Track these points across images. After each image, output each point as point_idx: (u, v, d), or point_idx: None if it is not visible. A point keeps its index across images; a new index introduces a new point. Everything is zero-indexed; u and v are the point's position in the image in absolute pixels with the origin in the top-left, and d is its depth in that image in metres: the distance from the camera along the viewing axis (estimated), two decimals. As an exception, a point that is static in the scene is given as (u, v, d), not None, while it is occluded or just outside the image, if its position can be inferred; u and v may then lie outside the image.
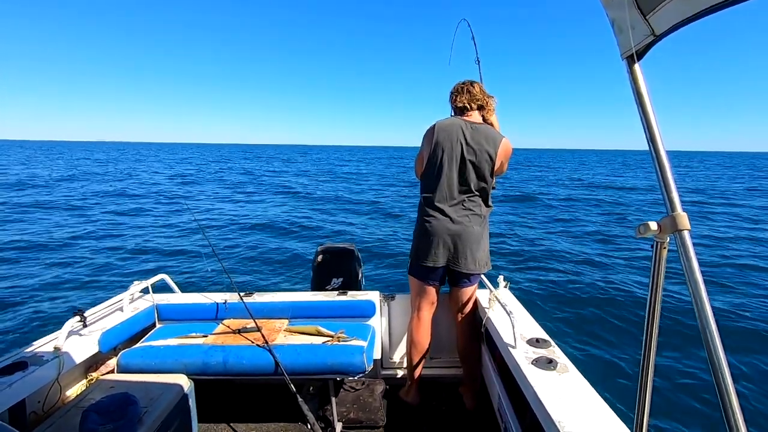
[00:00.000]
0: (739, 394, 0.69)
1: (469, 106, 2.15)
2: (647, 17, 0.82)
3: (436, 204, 2.08)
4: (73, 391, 1.91)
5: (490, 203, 2.16)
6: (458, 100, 2.17)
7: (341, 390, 2.28)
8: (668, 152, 0.82)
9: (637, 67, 0.86)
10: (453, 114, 2.23)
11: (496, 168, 2.08)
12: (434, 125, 2.12)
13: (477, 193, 2.08)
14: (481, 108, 2.18)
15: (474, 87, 2.18)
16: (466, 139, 2.05)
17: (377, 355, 2.30)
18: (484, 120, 2.19)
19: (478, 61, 2.60)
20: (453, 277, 2.18)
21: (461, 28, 2.70)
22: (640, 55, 0.86)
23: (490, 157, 2.04)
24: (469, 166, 2.04)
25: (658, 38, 0.83)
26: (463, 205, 2.07)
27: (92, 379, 1.95)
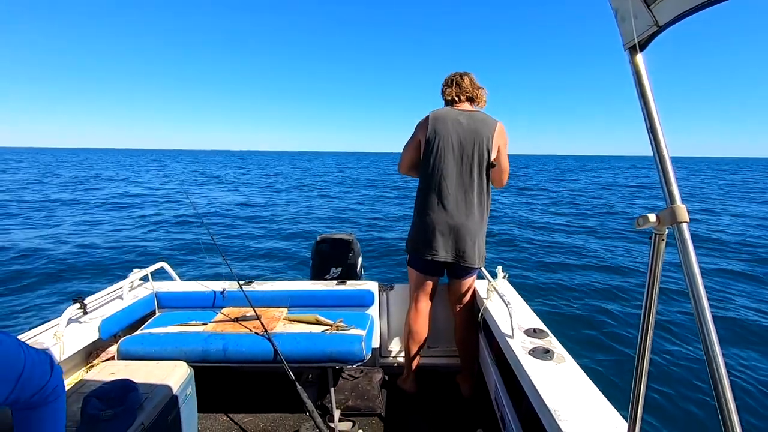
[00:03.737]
0: (733, 386, 0.70)
1: (457, 98, 2.11)
2: (651, 7, 0.80)
3: (435, 196, 2.06)
4: (73, 378, 1.92)
5: (489, 192, 2.13)
6: (447, 92, 2.14)
7: (340, 378, 2.30)
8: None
9: (639, 57, 0.84)
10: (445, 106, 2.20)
11: (493, 156, 2.05)
12: (428, 115, 2.09)
13: (476, 183, 2.05)
14: (470, 100, 2.14)
15: (464, 79, 2.13)
16: (462, 126, 2.02)
17: (375, 344, 2.32)
18: None
19: None
20: (453, 270, 2.17)
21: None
22: (643, 45, 0.84)
23: (488, 141, 2.02)
24: (467, 155, 2.02)
25: (662, 29, 0.82)
26: (462, 197, 2.04)
27: (92, 366, 1.97)
